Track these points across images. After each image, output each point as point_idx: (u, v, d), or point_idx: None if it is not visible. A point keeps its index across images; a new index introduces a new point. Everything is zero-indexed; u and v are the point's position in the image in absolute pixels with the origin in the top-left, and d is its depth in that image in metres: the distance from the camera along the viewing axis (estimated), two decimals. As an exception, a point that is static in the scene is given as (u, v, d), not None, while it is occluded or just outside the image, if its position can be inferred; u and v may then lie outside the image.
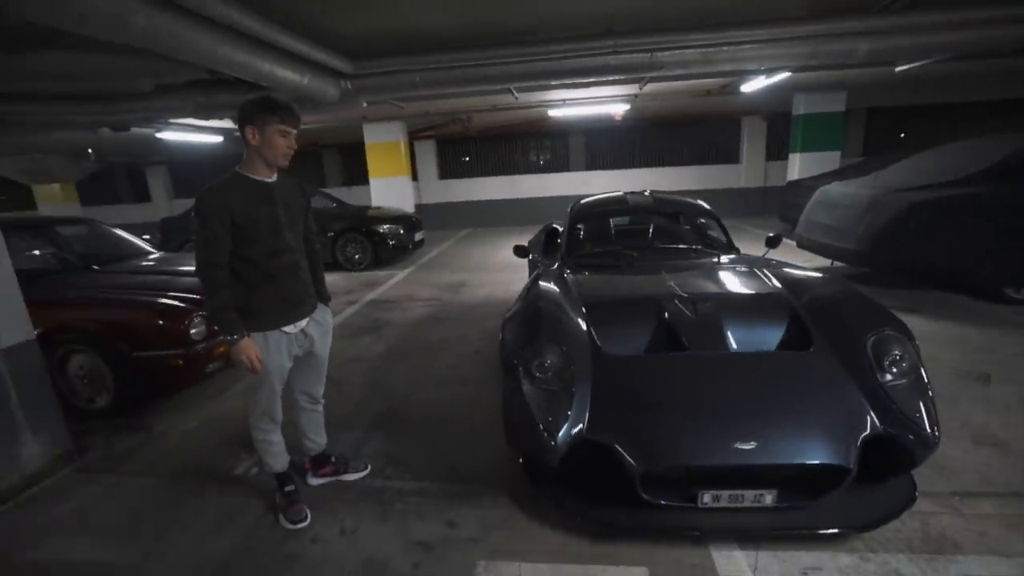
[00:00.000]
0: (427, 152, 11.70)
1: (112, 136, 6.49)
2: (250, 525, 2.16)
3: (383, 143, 9.00)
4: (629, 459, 1.83)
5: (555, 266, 3.37)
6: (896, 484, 2.02)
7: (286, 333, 2.01)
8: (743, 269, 2.98)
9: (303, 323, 2.06)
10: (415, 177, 11.87)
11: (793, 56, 3.73)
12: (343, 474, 2.43)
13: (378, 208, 8.64)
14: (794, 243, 5.81)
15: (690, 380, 2.06)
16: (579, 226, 3.75)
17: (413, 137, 11.15)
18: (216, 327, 1.89)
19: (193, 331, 3.09)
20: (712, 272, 2.98)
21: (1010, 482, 2.18)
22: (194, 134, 6.93)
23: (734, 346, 2.28)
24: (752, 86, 6.15)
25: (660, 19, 3.56)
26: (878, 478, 1.99)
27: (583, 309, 2.51)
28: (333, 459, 2.44)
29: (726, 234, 3.55)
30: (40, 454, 2.66)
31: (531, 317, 2.41)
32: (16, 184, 8.55)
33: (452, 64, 3.89)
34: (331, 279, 7.45)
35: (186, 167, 11.89)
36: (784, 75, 5.48)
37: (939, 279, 4.73)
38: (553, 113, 8.00)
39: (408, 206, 9.37)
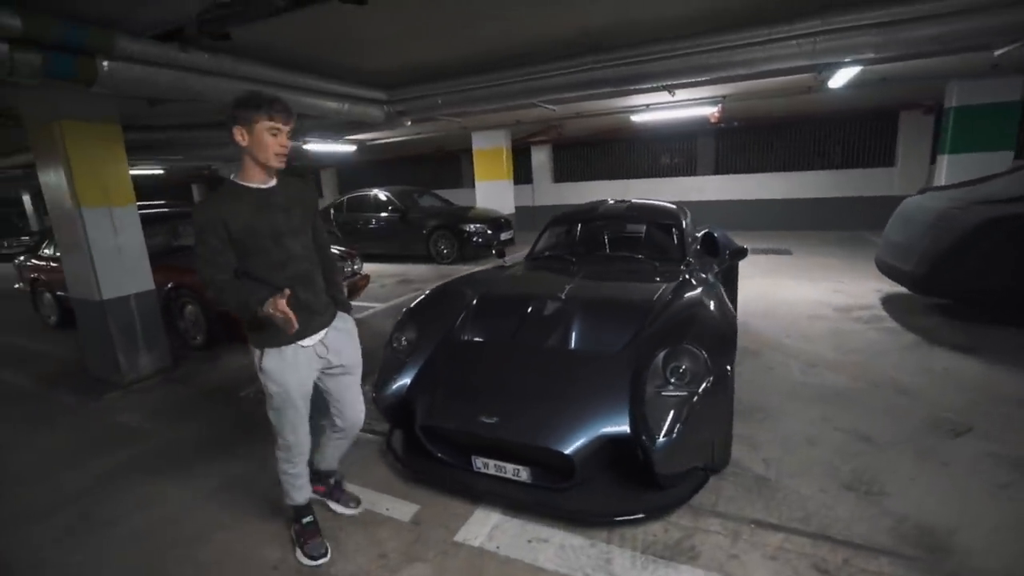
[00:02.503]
0: (543, 156, 12.42)
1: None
2: (231, 422, 3.20)
3: (488, 150, 9.99)
4: (417, 415, 2.33)
5: (517, 263, 3.85)
6: (672, 493, 2.12)
7: (303, 347, 1.89)
8: (653, 281, 3.06)
9: (320, 335, 1.93)
10: (530, 180, 12.71)
11: (789, 56, 3.50)
12: (330, 500, 2.30)
13: (476, 209, 9.69)
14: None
15: (490, 364, 2.44)
16: (549, 230, 4.10)
17: (530, 143, 11.99)
18: (248, 316, 1.73)
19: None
20: (622, 281, 3.14)
21: (829, 526, 2.04)
22: (333, 145, 8.77)
23: (572, 344, 2.53)
24: (838, 81, 5.43)
25: (637, 34, 3.70)
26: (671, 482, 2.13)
27: (474, 301, 2.99)
28: (332, 481, 2.30)
29: (682, 245, 3.54)
30: (149, 365, 4.14)
31: (419, 300, 3.00)
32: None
33: (464, 88, 4.56)
34: (418, 270, 8.80)
35: (352, 170, 14.68)
36: (856, 69, 4.80)
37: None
38: (636, 119, 8.00)
39: (507, 208, 10.21)
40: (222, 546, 2.14)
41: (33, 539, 2.27)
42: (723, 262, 3.67)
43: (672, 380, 2.12)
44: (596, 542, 2.03)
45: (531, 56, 4.09)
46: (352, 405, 2.09)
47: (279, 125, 1.70)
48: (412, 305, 2.98)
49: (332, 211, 9.95)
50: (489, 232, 8.74)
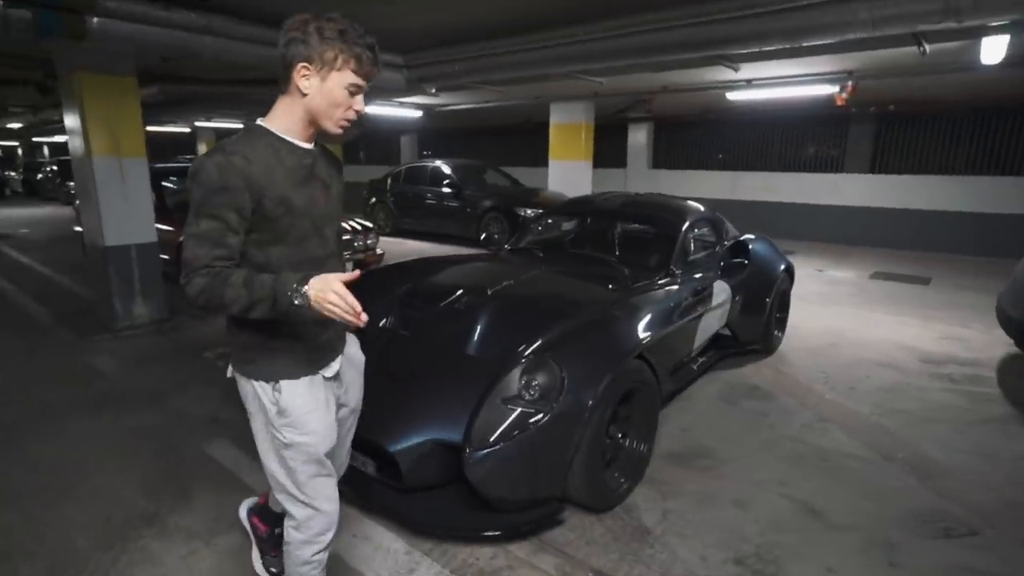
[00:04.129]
0: (640, 137, 12.20)
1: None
2: (183, 377, 3.85)
3: (566, 124, 10.06)
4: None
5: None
6: (507, 519, 2.24)
7: (327, 379, 1.60)
8: (604, 287, 3.09)
9: (337, 364, 1.64)
10: (624, 164, 12.57)
11: (839, 26, 3.27)
12: (259, 550, 2.03)
13: (544, 192, 9.88)
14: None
15: (371, 355, 2.69)
16: (544, 220, 4.24)
17: (628, 120, 11.85)
18: (274, 313, 1.29)
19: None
20: (572, 281, 3.22)
21: (679, 595, 2.02)
22: (396, 109, 9.53)
23: (469, 343, 2.69)
24: (992, 55, 4.71)
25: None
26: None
27: (404, 288, 3.28)
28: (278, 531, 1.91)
29: (669, 252, 3.47)
30: (144, 314, 5.02)
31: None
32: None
33: (481, 54, 4.82)
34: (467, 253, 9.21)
35: (432, 134, 15.67)
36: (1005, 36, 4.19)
37: None
38: (732, 96, 7.59)
39: (583, 193, 10.26)
40: (90, 483, 2.67)
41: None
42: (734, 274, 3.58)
43: (524, 394, 2.21)
44: (413, 551, 2.22)
45: (550, 19, 4.21)
46: (339, 453, 1.82)
47: (361, 83, 1.41)
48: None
49: (389, 180, 10.79)
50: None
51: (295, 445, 1.50)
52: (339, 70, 1.36)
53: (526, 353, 2.37)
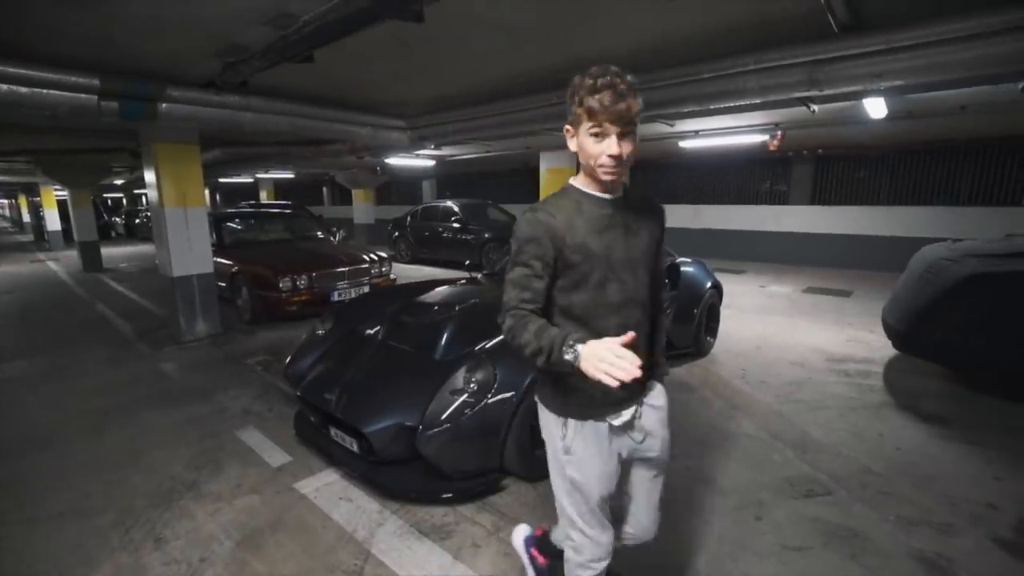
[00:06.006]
0: (620, 176, 12.45)
1: (370, 161, 10.02)
2: (228, 379, 4.13)
3: (553, 169, 10.37)
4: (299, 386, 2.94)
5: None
6: (455, 485, 2.44)
7: (613, 427, 1.42)
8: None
9: (631, 411, 1.44)
10: (606, 199, 12.80)
11: (737, 92, 3.49)
12: None
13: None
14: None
15: (361, 355, 2.94)
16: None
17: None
18: (551, 365, 1.18)
19: (280, 284, 5.40)
20: None
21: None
22: (409, 160, 9.91)
23: (438, 346, 2.91)
24: (876, 111, 4.89)
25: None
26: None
27: (398, 303, 3.54)
28: None
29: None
30: (204, 330, 5.35)
31: (352, 298, 3.62)
32: (345, 188, 14.29)
33: (470, 117, 5.14)
34: (453, 277, 9.52)
35: (450, 179, 16.07)
36: (879, 98, 4.37)
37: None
38: (684, 144, 7.81)
39: (569, 225, 10.50)
40: (150, 458, 2.94)
41: (52, 424, 3.31)
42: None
43: (466, 387, 2.44)
44: (384, 510, 2.44)
45: (509, 92, 4.53)
46: (647, 507, 1.57)
47: (599, 128, 1.23)
48: (339, 301, 3.61)
49: (409, 217, 11.16)
50: (538, 247, 9.14)
51: (575, 482, 1.41)
52: (580, 124, 1.27)
53: (471, 355, 2.59)
